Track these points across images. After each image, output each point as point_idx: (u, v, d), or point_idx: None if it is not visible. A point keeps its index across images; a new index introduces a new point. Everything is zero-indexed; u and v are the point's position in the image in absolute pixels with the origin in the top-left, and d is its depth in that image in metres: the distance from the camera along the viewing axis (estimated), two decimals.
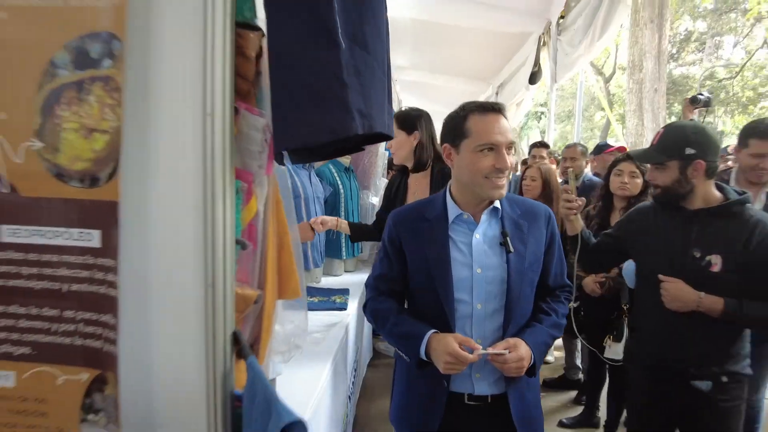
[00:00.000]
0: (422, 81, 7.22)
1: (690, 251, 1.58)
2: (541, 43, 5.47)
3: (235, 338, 0.71)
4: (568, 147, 4.06)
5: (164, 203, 0.69)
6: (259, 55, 0.74)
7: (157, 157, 0.68)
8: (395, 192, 2.28)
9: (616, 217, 2.44)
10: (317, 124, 0.70)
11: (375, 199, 3.12)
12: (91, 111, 0.69)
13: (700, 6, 12.87)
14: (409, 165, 2.19)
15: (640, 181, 2.43)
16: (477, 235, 1.31)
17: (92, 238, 0.71)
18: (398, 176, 2.32)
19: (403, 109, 2.29)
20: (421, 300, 1.36)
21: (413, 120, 2.18)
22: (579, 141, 4.48)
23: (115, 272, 0.69)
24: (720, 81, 14.13)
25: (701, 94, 3.49)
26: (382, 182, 3.23)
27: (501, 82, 7.23)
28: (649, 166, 1.71)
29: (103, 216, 0.70)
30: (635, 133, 8.84)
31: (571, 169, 2.70)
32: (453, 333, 1.27)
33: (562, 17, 5.13)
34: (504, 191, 1.30)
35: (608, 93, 13.10)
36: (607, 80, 13.50)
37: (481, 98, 7.34)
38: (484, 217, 1.32)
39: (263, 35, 0.73)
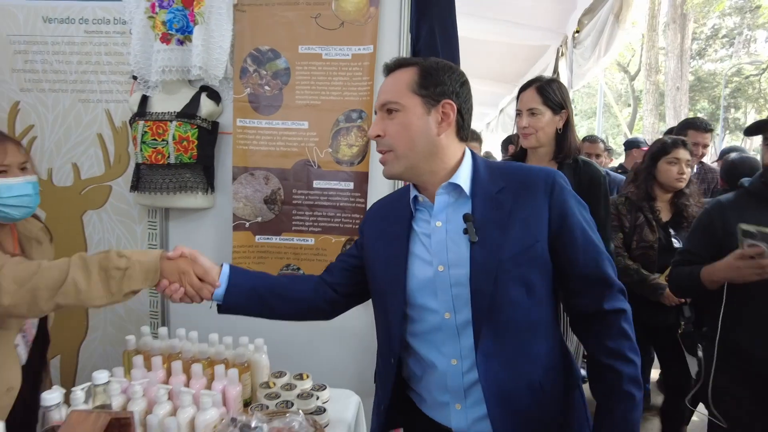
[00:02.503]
0: None
1: None
2: (560, 54, 6.59)
3: None
4: (591, 141, 4.10)
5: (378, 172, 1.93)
6: None
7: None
8: None
9: (665, 214, 2.37)
10: None
11: None
12: (351, 138, 1.94)
13: (725, 5, 13.71)
14: (546, 151, 1.89)
15: (689, 171, 2.35)
16: (438, 223, 1.09)
17: (350, 185, 1.96)
18: None
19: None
20: (380, 312, 1.19)
21: (563, 93, 1.86)
22: (601, 137, 4.76)
23: (362, 197, 1.94)
24: (747, 77, 14.90)
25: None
26: None
27: None
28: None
29: (355, 177, 1.94)
30: (652, 130, 9.87)
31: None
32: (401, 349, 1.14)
33: (577, 32, 6.25)
34: (388, 168, 1.11)
35: (633, 90, 14.05)
36: (633, 78, 14.46)
37: (507, 98, 8.49)
38: (439, 197, 1.10)
39: None
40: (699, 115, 14.37)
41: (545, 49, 6.69)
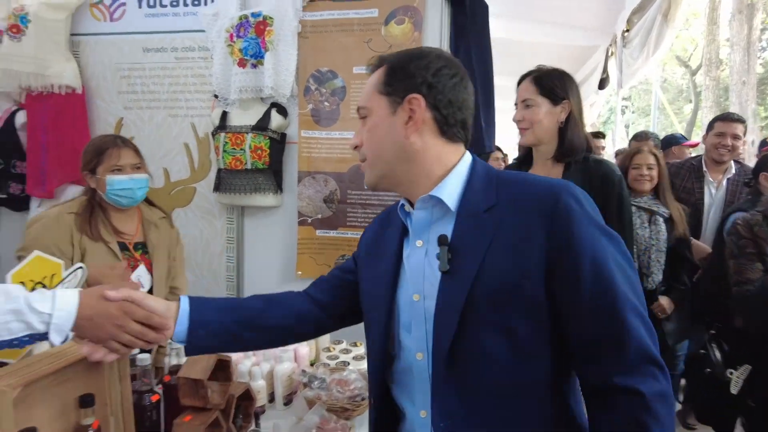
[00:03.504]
0: (504, 84, 8.61)
1: None
2: (609, 54, 6.68)
3: None
4: (638, 139, 3.79)
5: None
6: None
7: None
8: None
9: None
10: (475, 148, 2.26)
11: None
12: None
13: None
14: (548, 149, 1.72)
15: None
16: (419, 242, 0.94)
17: None
18: (514, 169, 1.90)
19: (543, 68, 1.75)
20: (369, 344, 1.03)
21: (564, 84, 1.70)
22: (655, 135, 4.24)
23: None
24: None
25: None
26: None
27: (577, 83, 8.39)
28: None
29: None
30: None
31: None
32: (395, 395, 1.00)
33: (627, 30, 6.33)
34: (365, 178, 0.99)
35: (695, 86, 13.64)
36: (694, 72, 14.02)
37: None
38: (418, 212, 0.95)
39: None
40: None
41: (594, 50, 6.79)
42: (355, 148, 0.99)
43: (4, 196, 2.63)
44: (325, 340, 1.89)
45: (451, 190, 0.92)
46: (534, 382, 0.87)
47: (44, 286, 1.06)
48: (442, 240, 0.89)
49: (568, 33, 6.45)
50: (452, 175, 0.93)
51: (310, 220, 2.40)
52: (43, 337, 0.91)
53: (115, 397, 1.18)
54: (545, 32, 6.39)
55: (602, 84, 6.94)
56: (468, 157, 0.97)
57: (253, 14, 2.36)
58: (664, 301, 2.50)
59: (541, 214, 0.85)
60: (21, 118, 2.61)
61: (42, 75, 2.47)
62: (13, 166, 2.61)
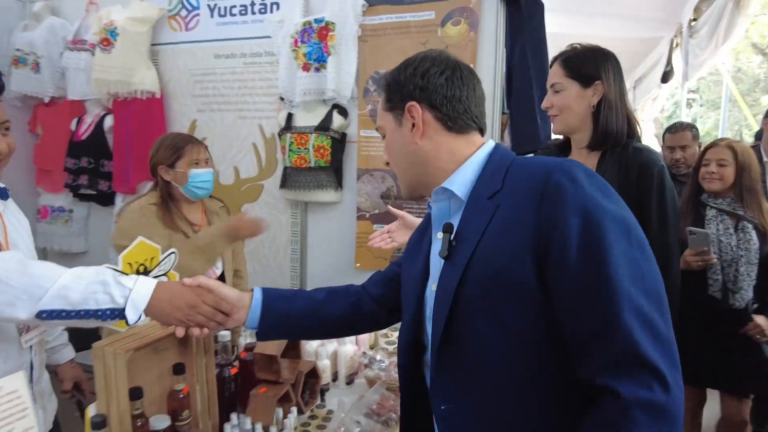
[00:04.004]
0: None
1: None
2: (674, 45, 6.43)
3: None
4: (672, 131, 3.06)
5: None
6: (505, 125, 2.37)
7: None
8: None
9: None
10: (531, 143, 2.32)
11: None
12: None
13: None
14: (582, 137, 1.57)
15: None
16: (439, 234, 0.95)
17: None
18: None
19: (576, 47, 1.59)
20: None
21: (596, 62, 1.54)
22: (693, 125, 3.35)
23: None
24: None
25: None
26: None
27: (639, 77, 8.13)
28: None
29: None
30: None
31: None
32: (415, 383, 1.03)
33: (694, 20, 6.07)
34: (401, 189, 1.06)
35: None
36: None
37: None
38: (435, 205, 0.99)
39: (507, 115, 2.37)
40: None
41: (657, 41, 6.56)
42: (387, 164, 1.07)
43: (94, 192, 2.93)
44: None
45: (462, 180, 0.94)
46: (536, 374, 0.84)
47: (146, 267, 1.22)
48: (445, 228, 0.92)
49: (627, 25, 6.26)
50: (465, 166, 0.96)
51: (368, 215, 2.52)
52: (122, 313, 1.04)
53: (201, 368, 1.34)
54: (603, 25, 6.23)
55: (666, 77, 6.69)
56: (488, 146, 0.98)
57: (316, 20, 2.50)
58: (761, 320, 2.13)
59: (533, 196, 0.83)
60: (108, 121, 2.90)
61: (127, 82, 2.73)
62: (102, 166, 2.90)
